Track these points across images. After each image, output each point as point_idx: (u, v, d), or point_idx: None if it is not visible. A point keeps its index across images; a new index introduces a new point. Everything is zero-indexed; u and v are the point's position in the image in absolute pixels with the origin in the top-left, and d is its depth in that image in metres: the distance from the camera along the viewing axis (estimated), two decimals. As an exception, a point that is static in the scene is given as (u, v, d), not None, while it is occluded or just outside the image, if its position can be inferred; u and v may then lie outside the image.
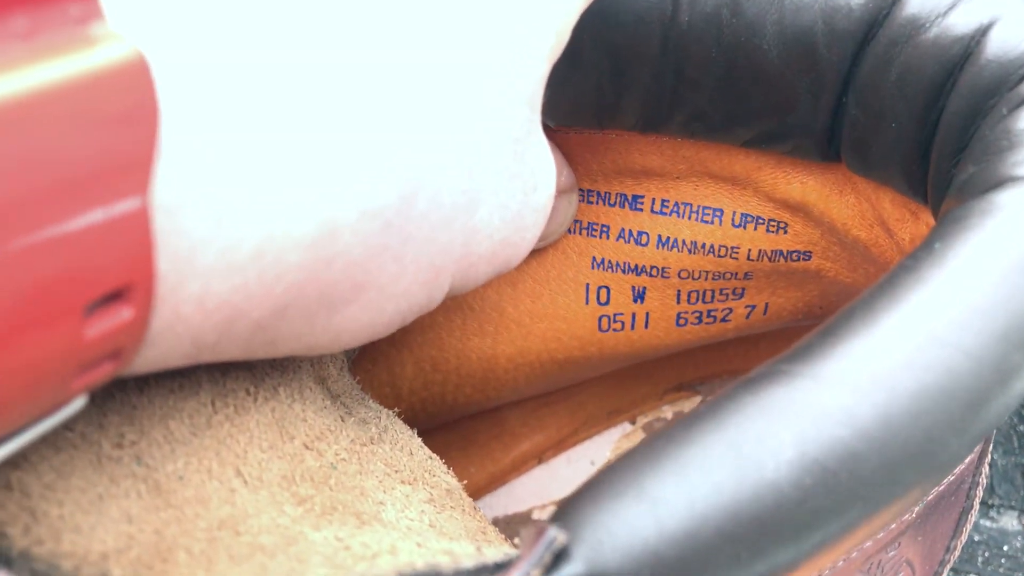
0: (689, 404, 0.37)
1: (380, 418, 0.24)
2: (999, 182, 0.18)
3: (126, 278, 0.15)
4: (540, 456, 0.37)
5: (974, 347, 0.16)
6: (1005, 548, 0.38)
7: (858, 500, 0.15)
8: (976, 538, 0.38)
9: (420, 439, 0.25)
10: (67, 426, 0.18)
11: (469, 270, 0.22)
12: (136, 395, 0.19)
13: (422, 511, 0.21)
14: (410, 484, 0.22)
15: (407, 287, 0.20)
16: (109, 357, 0.15)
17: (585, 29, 0.23)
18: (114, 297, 0.15)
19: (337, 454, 0.21)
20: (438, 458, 0.24)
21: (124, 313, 0.15)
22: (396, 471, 0.22)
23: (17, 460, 0.17)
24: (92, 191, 0.14)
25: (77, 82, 0.13)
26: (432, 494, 0.22)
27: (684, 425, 0.16)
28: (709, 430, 0.15)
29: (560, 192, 0.26)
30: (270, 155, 0.16)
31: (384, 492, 0.21)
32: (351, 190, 0.18)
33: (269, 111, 0.16)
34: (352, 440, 0.22)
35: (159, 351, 0.16)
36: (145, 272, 0.15)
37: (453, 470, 0.36)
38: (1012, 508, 0.38)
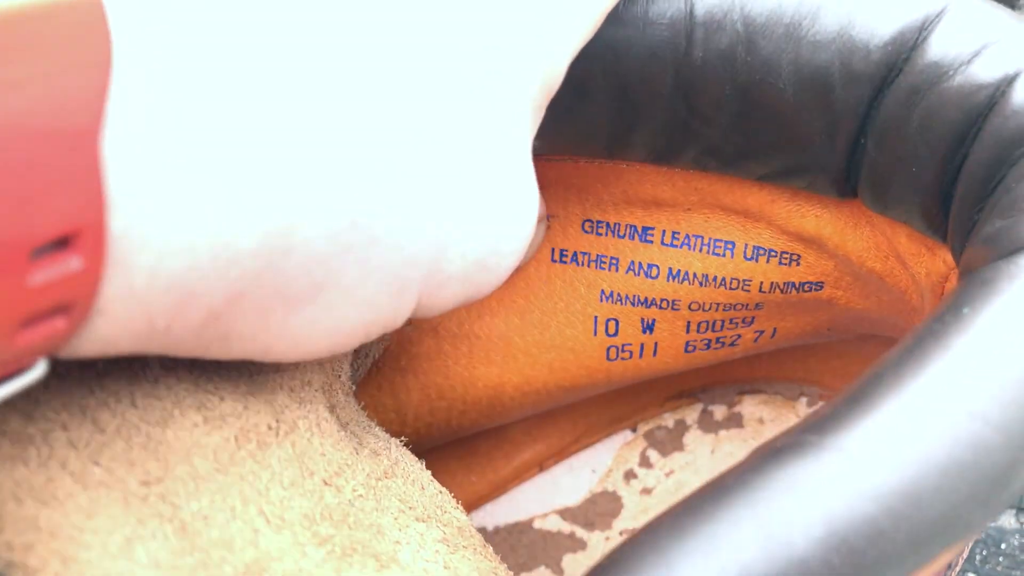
0: (690, 411, 0.37)
1: (390, 449, 0.24)
2: None
3: (74, 222, 0.14)
4: (541, 464, 0.37)
5: (1003, 420, 0.16)
6: (1003, 546, 0.38)
7: (884, 574, 0.15)
8: (973, 536, 0.38)
9: (428, 470, 0.25)
10: (95, 460, 0.18)
11: (438, 289, 0.21)
12: (160, 429, 0.19)
13: (436, 551, 0.21)
14: (424, 522, 0.22)
15: (371, 295, 0.20)
16: (59, 311, 0.15)
17: (596, 61, 0.23)
18: (62, 245, 0.14)
19: (355, 490, 0.21)
20: (447, 492, 0.24)
21: (72, 262, 0.15)
22: (410, 508, 0.22)
23: (45, 497, 0.17)
24: (39, 125, 0.13)
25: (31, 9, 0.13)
26: (445, 532, 0.22)
27: (711, 498, 0.16)
28: (736, 505, 0.15)
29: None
30: (229, 142, 0.16)
31: (399, 530, 0.21)
32: (315, 188, 0.17)
33: (238, 86, 0.16)
34: (368, 475, 0.22)
35: (110, 323, 0.16)
36: (94, 218, 0.15)
37: (455, 479, 0.36)
38: (1010, 506, 0.38)
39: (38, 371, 0.16)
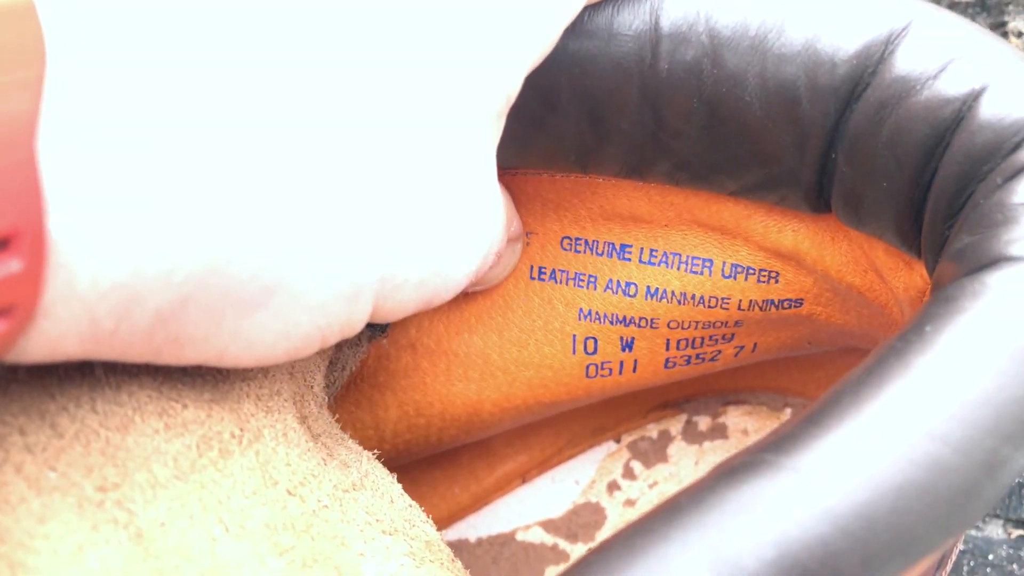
0: (674, 422, 0.37)
1: (361, 461, 0.24)
2: (991, 260, 0.18)
3: (12, 224, 0.15)
4: (524, 475, 0.37)
5: (962, 441, 0.15)
6: (990, 557, 0.38)
7: None
8: (961, 547, 0.38)
9: (405, 483, 0.25)
10: (50, 465, 0.18)
11: (394, 292, 0.21)
12: (120, 435, 0.19)
13: (401, 564, 0.21)
14: (390, 535, 0.22)
15: (324, 301, 0.20)
16: (0, 313, 0.15)
17: (563, 73, 0.23)
18: (1, 246, 0.15)
19: (319, 500, 0.21)
20: (418, 506, 0.24)
21: (12, 264, 0.15)
22: (377, 520, 0.22)
23: None
24: None
25: None
26: (412, 546, 0.22)
27: (664, 518, 0.15)
28: (688, 525, 0.15)
29: (508, 240, 0.26)
30: (170, 156, 0.16)
31: (364, 543, 0.21)
32: (261, 206, 0.18)
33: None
34: (334, 486, 0.22)
35: (55, 325, 0.16)
36: (33, 220, 0.15)
37: (437, 490, 0.36)
38: (997, 517, 0.38)
39: None
